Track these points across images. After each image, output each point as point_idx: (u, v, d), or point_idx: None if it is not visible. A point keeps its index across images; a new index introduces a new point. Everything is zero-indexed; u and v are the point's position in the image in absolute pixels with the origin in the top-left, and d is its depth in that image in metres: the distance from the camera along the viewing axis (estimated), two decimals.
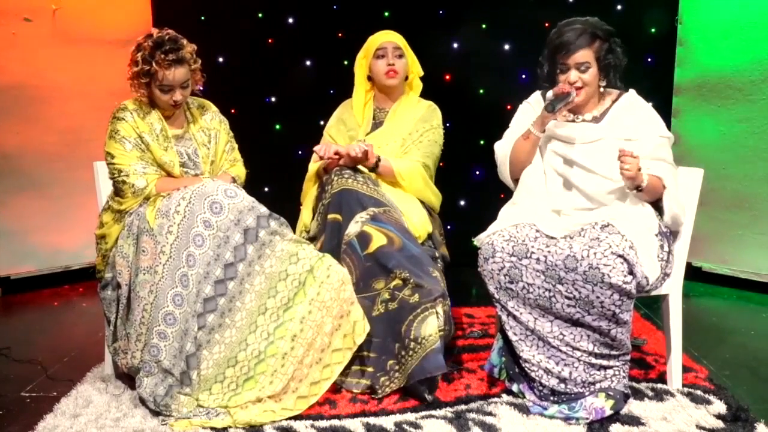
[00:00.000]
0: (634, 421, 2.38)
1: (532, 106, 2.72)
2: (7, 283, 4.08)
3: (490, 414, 2.45)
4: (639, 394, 2.57)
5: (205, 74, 2.75)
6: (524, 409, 2.47)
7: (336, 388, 2.60)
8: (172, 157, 2.69)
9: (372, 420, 2.42)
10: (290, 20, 4.62)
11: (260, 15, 4.62)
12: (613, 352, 2.43)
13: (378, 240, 2.68)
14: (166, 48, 2.57)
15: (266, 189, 4.38)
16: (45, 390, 2.70)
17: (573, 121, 2.61)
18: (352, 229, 2.73)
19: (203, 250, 2.50)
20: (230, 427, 2.37)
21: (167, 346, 2.47)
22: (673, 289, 2.63)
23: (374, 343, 2.63)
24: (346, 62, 4.14)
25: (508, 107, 4.25)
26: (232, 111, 4.10)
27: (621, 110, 2.59)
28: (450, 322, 2.66)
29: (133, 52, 2.61)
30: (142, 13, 4.46)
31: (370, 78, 3.17)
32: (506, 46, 4.55)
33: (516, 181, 2.71)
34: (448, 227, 4.32)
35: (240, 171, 2.89)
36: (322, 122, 3.35)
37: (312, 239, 2.87)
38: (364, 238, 2.70)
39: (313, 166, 3.08)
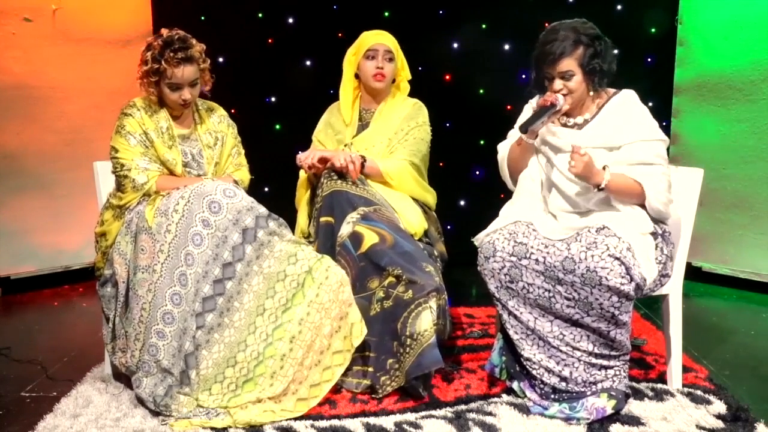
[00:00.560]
0: (634, 421, 2.38)
1: (533, 106, 2.72)
2: (7, 283, 4.08)
3: (490, 414, 2.45)
4: (639, 394, 2.57)
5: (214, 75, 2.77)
6: (524, 409, 2.47)
7: (336, 388, 2.60)
8: (176, 155, 2.70)
9: (372, 420, 2.42)
10: (290, 20, 4.63)
11: (260, 15, 4.63)
12: (613, 353, 2.43)
13: (370, 239, 2.68)
14: (176, 47, 2.60)
15: (266, 189, 4.38)
16: (45, 390, 2.70)
17: (565, 125, 2.59)
18: (345, 230, 2.73)
19: (202, 249, 2.51)
20: (230, 427, 2.37)
21: (166, 346, 2.47)
22: (673, 289, 2.63)
23: (373, 342, 2.63)
24: None
25: (508, 107, 4.27)
26: (232, 111, 4.08)
27: (609, 114, 2.54)
28: (445, 317, 2.65)
29: (143, 52, 2.65)
30: (142, 13, 4.47)
31: (357, 76, 3.16)
32: (506, 46, 4.56)
33: (516, 182, 2.71)
34: (448, 227, 4.33)
35: (244, 176, 2.90)
36: None
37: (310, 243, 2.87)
38: (356, 238, 2.69)
39: (304, 171, 3.07)
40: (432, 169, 3.22)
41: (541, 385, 2.47)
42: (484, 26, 4.59)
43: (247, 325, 2.53)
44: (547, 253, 2.40)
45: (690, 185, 2.66)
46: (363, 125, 3.15)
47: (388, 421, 2.41)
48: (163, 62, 2.59)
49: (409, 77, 3.20)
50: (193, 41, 2.67)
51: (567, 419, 2.39)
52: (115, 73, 4.33)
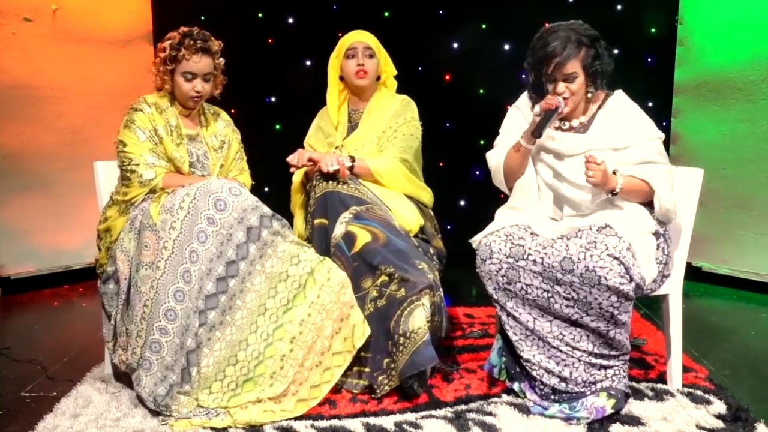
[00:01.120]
0: (634, 421, 2.38)
1: (520, 110, 2.69)
2: (7, 283, 4.08)
3: (490, 414, 2.45)
4: (639, 394, 2.57)
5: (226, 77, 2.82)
6: (524, 409, 2.47)
7: (336, 388, 2.60)
8: (183, 154, 2.71)
9: (372, 420, 2.42)
10: (290, 20, 4.63)
11: (260, 15, 4.63)
12: (613, 352, 2.43)
13: (363, 238, 2.68)
14: (195, 37, 2.69)
15: (266, 189, 4.38)
16: (45, 390, 2.70)
17: (560, 128, 2.59)
18: (338, 230, 2.73)
19: (206, 246, 2.51)
20: (230, 427, 2.37)
21: (168, 342, 2.47)
22: (673, 289, 2.63)
23: (370, 343, 2.63)
24: None
25: (508, 107, 4.25)
26: (232, 111, 4.09)
27: (607, 115, 2.55)
28: (441, 314, 2.65)
29: (161, 42, 2.72)
30: (142, 13, 4.47)
31: (342, 78, 3.16)
32: (506, 46, 4.56)
33: (512, 189, 2.69)
34: (448, 227, 4.33)
35: (246, 180, 2.91)
36: None
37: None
38: (349, 237, 2.69)
39: (297, 176, 3.06)
40: (432, 169, 3.22)
41: (541, 386, 2.47)
42: (484, 26, 4.59)
43: (249, 324, 2.53)
44: (545, 253, 2.40)
45: (690, 185, 2.66)
46: (352, 126, 3.16)
47: (388, 421, 2.41)
48: (182, 49, 2.65)
49: (395, 72, 3.19)
50: (212, 37, 2.75)
51: (567, 419, 2.39)
52: (115, 73, 4.34)
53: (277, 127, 4.70)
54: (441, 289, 2.67)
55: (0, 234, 4.04)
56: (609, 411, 2.38)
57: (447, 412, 2.47)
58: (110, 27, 4.33)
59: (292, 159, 2.90)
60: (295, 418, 2.43)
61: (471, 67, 4.56)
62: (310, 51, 4.59)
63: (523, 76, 4.24)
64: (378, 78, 3.17)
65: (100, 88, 4.28)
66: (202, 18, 4.45)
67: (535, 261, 2.40)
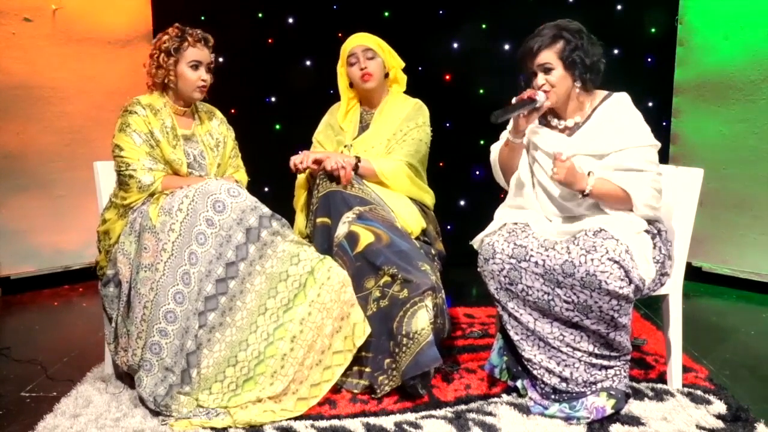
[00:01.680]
0: (634, 421, 2.38)
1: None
2: (7, 283, 4.08)
3: (490, 414, 2.45)
4: (639, 394, 2.57)
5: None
6: (524, 409, 2.47)
7: (336, 388, 2.60)
8: (181, 155, 2.70)
9: (372, 420, 2.42)
10: (290, 20, 4.63)
11: (260, 15, 4.63)
12: (614, 353, 2.43)
13: (366, 238, 2.68)
14: (195, 30, 2.73)
15: (266, 189, 4.39)
16: (45, 390, 2.70)
17: (555, 126, 2.59)
18: (341, 230, 2.73)
19: (205, 248, 2.51)
20: (230, 427, 2.37)
21: (168, 344, 2.47)
22: (673, 289, 2.63)
23: (371, 342, 2.63)
24: None
25: None
26: (232, 111, 4.10)
27: (601, 119, 2.52)
28: (443, 315, 2.65)
29: (159, 37, 2.73)
30: (142, 13, 4.47)
31: (352, 85, 3.16)
32: (506, 46, 4.56)
33: (509, 182, 2.70)
34: (448, 227, 4.33)
35: (242, 177, 2.91)
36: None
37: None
38: (352, 237, 2.69)
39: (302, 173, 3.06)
40: (432, 169, 3.21)
41: (542, 385, 2.47)
42: (484, 26, 4.59)
43: (249, 324, 2.53)
44: (547, 256, 2.39)
45: (690, 185, 2.66)
46: (363, 126, 3.15)
47: (388, 421, 2.41)
48: (187, 37, 2.68)
49: (402, 65, 3.18)
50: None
51: (567, 419, 2.39)
52: (115, 73, 4.34)
53: (277, 127, 4.70)
54: (443, 291, 2.67)
55: (0, 234, 4.04)
56: (609, 411, 2.38)
57: (447, 412, 2.47)
58: (110, 27, 4.33)
59: (297, 159, 2.90)
60: (295, 418, 2.43)
61: (471, 67, 4.56)
62: (310, 51, 4.59)
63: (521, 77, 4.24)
64: (387, 75, 3.16)
65: (100, 88, 4.28)
66: (202, 18, 4.45)
67: (537, 263, 2.40)
